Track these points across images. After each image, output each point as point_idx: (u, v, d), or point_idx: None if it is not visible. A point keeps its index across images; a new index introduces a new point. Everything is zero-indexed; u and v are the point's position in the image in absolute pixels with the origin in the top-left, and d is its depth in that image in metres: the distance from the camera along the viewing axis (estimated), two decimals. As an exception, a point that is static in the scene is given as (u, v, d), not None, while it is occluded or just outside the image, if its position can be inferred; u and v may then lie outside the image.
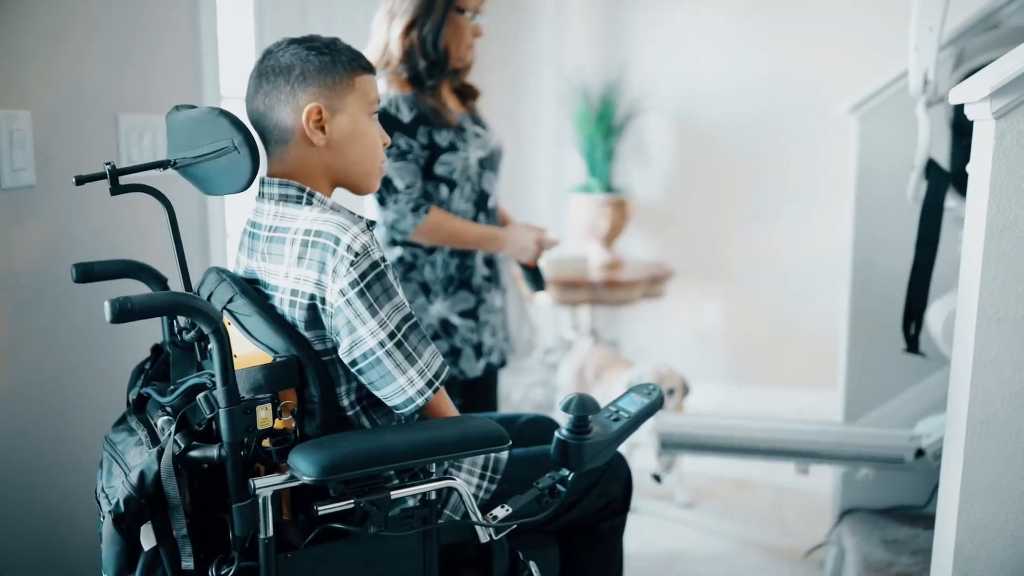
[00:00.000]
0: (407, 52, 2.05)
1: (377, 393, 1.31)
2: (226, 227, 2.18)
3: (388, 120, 2.01)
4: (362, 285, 1.26)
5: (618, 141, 3.96)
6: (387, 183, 2.02)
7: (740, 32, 3.86)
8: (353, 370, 1.30)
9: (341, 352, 1.29)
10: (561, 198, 4.09)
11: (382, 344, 1.27)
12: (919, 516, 2.42)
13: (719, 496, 3.07)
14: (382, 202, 2.04)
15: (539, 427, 1.74)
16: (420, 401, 1.30)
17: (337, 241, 1.27)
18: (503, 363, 2.24)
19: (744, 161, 3.92)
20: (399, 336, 1.28)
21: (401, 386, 1.29)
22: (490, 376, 2.25)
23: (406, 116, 2.03)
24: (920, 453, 2.34)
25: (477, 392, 2.22)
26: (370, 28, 2.15)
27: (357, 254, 1.26)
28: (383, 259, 1.29)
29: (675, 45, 3.93)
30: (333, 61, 1.38)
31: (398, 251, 2.11)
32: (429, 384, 1.31)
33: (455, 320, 2.13)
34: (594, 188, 3.89)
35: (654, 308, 4.02)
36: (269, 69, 1.36)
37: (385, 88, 2.06)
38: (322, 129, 1.37)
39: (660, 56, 3.95)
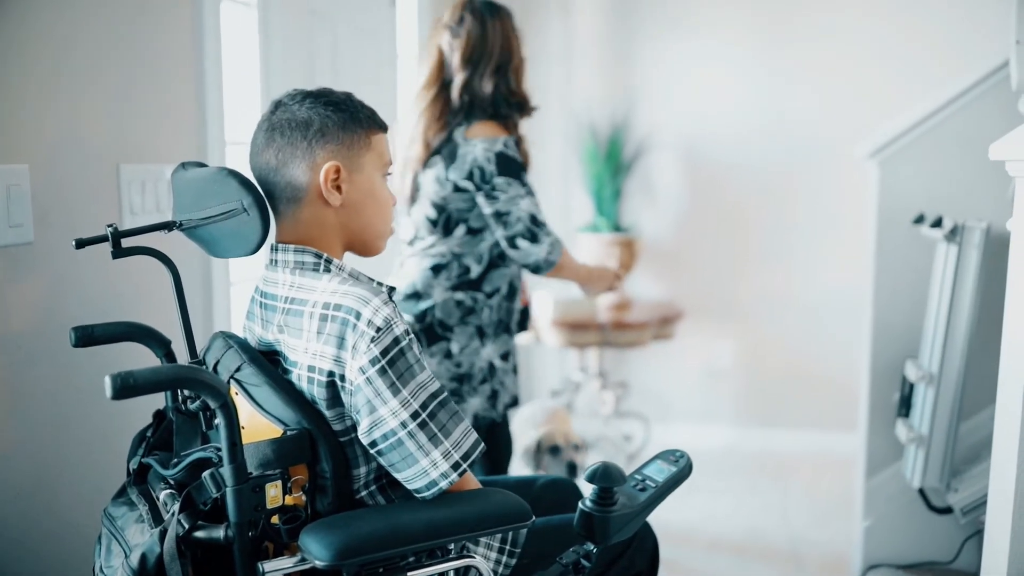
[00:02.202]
0: (496, 95, 2.06)
1: (397, 476, 1.23)
2: (230, 276, 2.12)
3: (509, 162, 2.02)
4: (383, 362, 1.18)
5: (626, 179, 3.91)
6: (534, 219, 2.01)
7: (749, 70, 3.82)
8: (372, 451, 1.22)
9: (360, 433, 1.21)
10: (569, 237, 4.02)
11: (404, 425, 1.19)
12: (946, 571, 2.34)
13: (734, 546, 2.98)
14: (535, 238, 2.02)
15: (558, 490, 1.67)
16: (444, 484, 1.21)
17: (357, 316, 1.20)
18: (516, 403, 2.25)
19: (754, 199, 3.87)
20: (424, 415, 1.20)
21: (424, 468, 1.20)
22: (506, 416, 2.26)
23: (519, 157, 2.05)
24: (921, 493, 2.29)
25: (498, 432, 2.22)
26: (415, 70, 2.19)
27: (379, 328, 1.19)
28: (407, 332, 1.22)
29: (684, 83, 3.89)
30: (352, 118, 1.31)
31: (460, 295, 2.08)
32: (455, 466, 1.22)
33: (497, 363, 2.14)
34: (602, 227, 3.84)
35: (664, 349, 3.95)
36: (284, 123, 1.29)
37: (491, 131, 2.03)
38: (338, 189, 1.30)
39: (669, 94, 3.91)
